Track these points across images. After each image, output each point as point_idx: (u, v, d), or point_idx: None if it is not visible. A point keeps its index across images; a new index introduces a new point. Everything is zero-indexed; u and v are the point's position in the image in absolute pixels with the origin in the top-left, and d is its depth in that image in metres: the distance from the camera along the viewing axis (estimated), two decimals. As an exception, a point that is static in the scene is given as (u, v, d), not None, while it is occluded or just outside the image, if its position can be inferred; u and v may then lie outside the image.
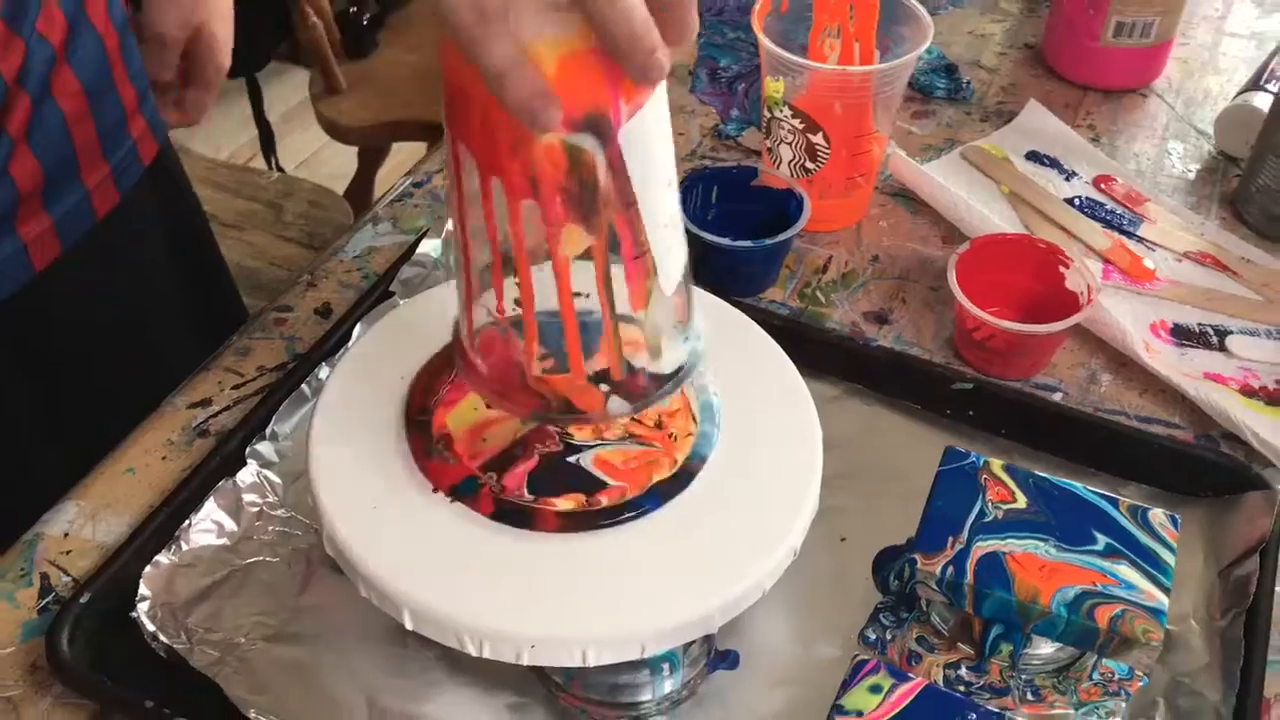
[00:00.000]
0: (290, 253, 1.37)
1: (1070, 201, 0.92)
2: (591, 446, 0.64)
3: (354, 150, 1.95)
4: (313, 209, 1.45)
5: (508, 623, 0.57)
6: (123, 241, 0.83)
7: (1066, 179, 0.94)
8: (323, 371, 0.75)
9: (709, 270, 0.83)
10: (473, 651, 0.57)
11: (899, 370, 0.76)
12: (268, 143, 1.87)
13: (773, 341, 0.71)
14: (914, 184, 0.91)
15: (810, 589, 0.67)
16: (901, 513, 0.70)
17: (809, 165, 0.86)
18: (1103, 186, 0.93)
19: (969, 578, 0.61)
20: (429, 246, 0.82)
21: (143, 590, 0.64)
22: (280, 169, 1.85)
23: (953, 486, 0.65)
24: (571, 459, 0.63)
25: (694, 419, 0.67)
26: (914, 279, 0.86)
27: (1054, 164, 0.95)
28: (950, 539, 0.62)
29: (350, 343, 0.70)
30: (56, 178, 0.76)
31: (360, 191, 1.87)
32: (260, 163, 1.95)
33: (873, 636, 0.65)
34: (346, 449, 0.63)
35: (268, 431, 0.72)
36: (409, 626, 0.58)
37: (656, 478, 0.63)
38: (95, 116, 0.77)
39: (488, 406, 0.65)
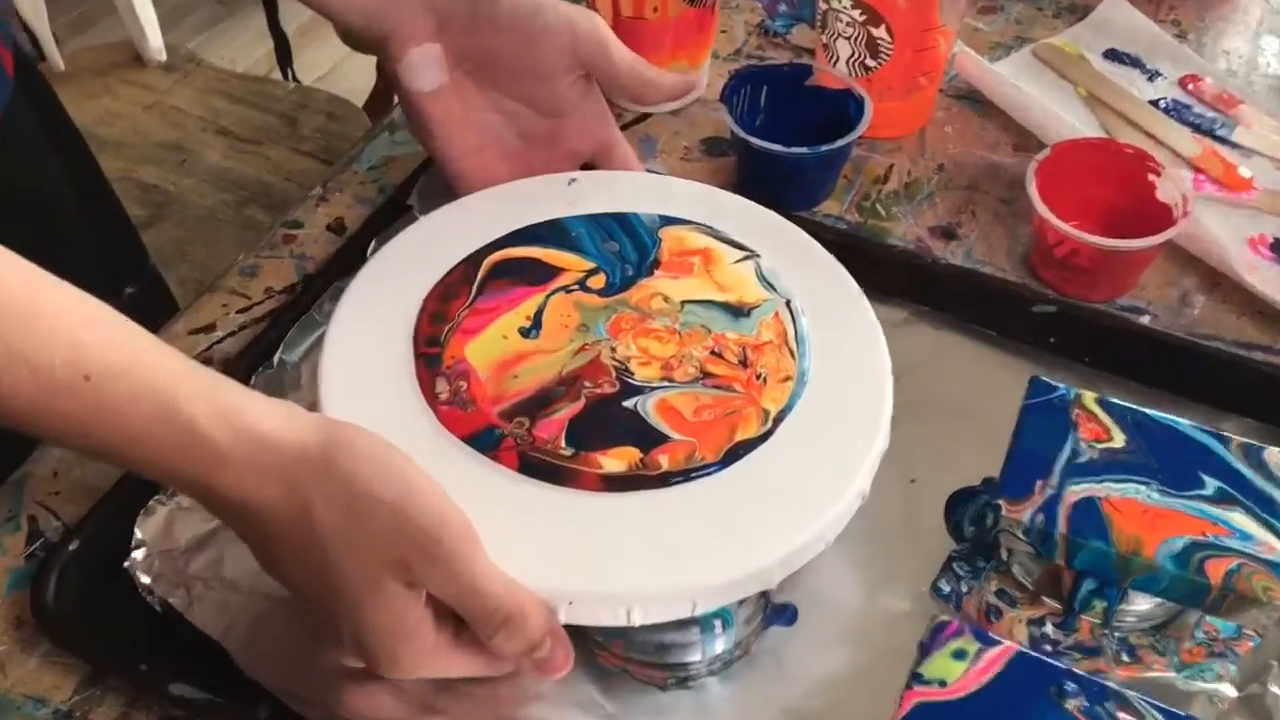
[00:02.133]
0: (306, 167, 1.29)
1: (1154, 104, 0.83)
2: (655, 388, 0.57)
3: (373, 61, 1.86)
4: (330, 122, 1.37)
5: (539, 575, 0.50)
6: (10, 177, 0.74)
7: (1149, 79, 0.85)
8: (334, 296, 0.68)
9: (759, 180, 0.75)
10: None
11: (972, 291, 0.69)
12: (284, 54, 1.78)
13: (835, 261, 0.64)
14: (984, 85, 0.82)
15: (876, 535, 0.60)
16: (976, 451, 0.63)
17: (869, 63, 0.77)
18: (1190, 87, 0.84)
19: (1061, 526, 0.53)
20: (450, 156, 0.74)
21: (137, 536, 0.58)
22: (297, 81, 1.76)
23: (1040, 423, 0.57)
24: (629, 403, 0.56)
25: (791, 354, 0.59)
26: (984, 189, 0.78)
27: (1135, 63, 0.86)
28: (1039, 482, 0.55)
29: (365, 264, 0.63)
30: None
31: (380, 104, 1.77)
32: (278, 76, 1.87)
33: (946, 589, 0.59)
34: (355, 388, 0.57)
35: (275, 360, 0.65)
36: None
37: (740, 435, 0.55)
38: None
39: None
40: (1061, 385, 0.59)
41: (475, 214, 0.65)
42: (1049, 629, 0.57)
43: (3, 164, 0.74)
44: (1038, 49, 0.87)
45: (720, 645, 0.55)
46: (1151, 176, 0.71)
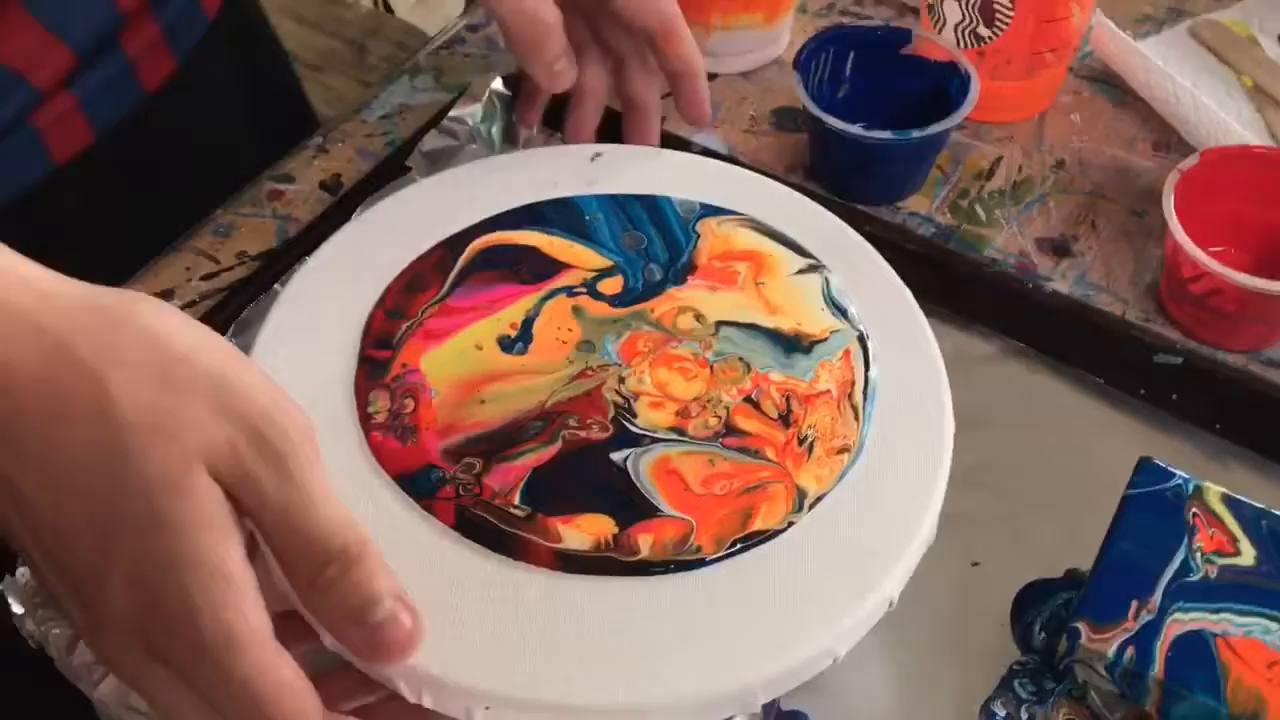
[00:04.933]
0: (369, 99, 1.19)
1: (1338, 104, 0.67)
2: (657, 441, 0.44)
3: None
4: (399, 52, 1.27)
5: (452, 665, 0.39)
6: (178, 120, 0.66)
7: (1336, 72, 0.69)
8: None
9: (834, 165, 0.63)
10: (409, 697, 0.39)
11: (1080, 327, 0.55)
12: (375, -26, 1.69)
13: (899, 283, 0.51)
14: (1123, 66, 0.68)
15: (921, 630, 0.48)
16: (1061, 533, 0.51)
17: (982, 31, 0.63)
18: (1387, 86, 0.69)
19: (1157, 668, 0.41)
20: (466, 111, 0.63)
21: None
22: (388, 8, 1.66)
23: (1146, 521, 0.44)
24: (618, 455, 0.44)
25: (855, 414, 0.46)
26: (1110, 197, 0.63)
27: (1319, 51, 0.71)
28: (1134, 603, 0.42)
29: (330, 237, 0.52)
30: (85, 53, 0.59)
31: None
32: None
33: (1001, 713, 0.46)
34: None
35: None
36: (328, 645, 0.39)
37: (758, 523, 0.43)
38: None
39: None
40: (1179, 472, 0.45)
41: (470, 185, 0.54)
42: (1130, 783, 0.44)
43: (183, 112, 0.66)
44: (1197, 26, 0.72)
45: (698, 769, 0.43)
46: (1326, 200, 0.56)
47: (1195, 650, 0.41)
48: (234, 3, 0.71)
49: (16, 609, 0.47)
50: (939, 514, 0.45)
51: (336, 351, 0.47)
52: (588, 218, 0.52)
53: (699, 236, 0.51)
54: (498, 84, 0.64)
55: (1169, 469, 0.45)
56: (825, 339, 0.48)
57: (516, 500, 0.43)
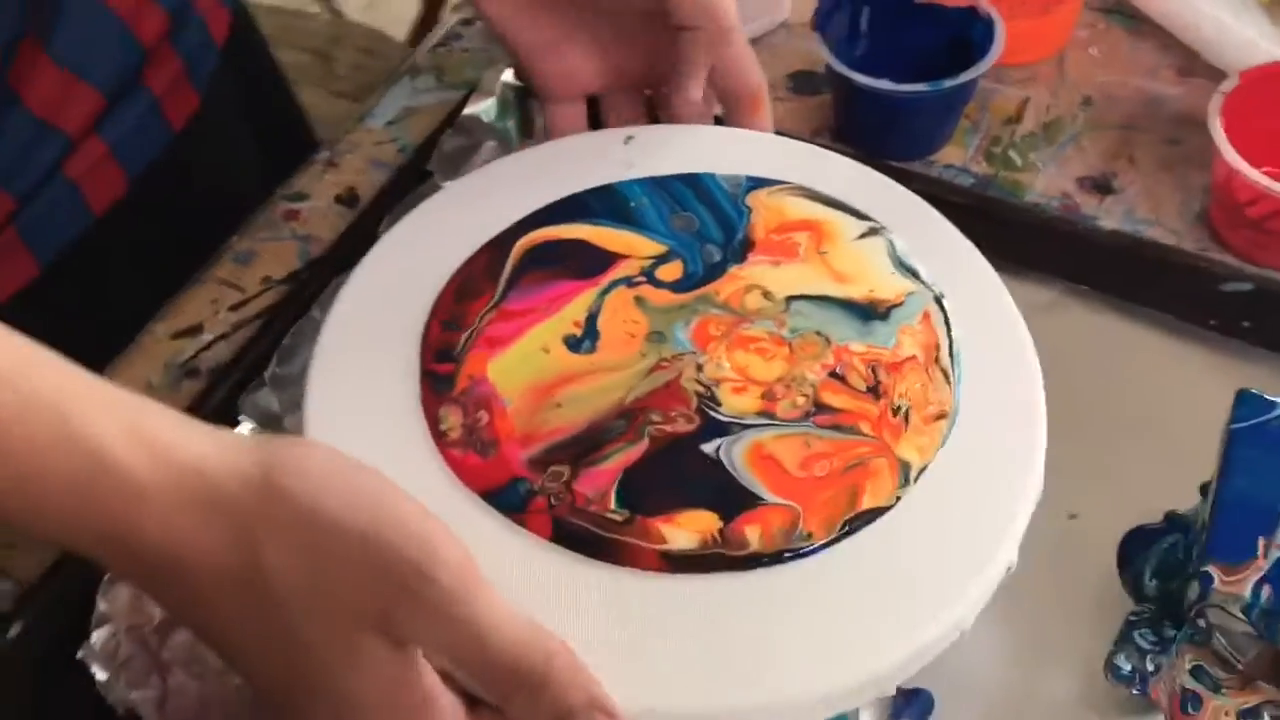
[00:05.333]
0: (342, 110, 1.16)
1: (1355, 11, 0.67)
2: (749, 427, 0.43)
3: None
4: (366, 58, 1.23)
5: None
6: (204, 156, 0.65)
7: (1347, -20, 0.69)
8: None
9: (862, 124, 0.61)
10: None
11: (1139, 264, 0.54)
12: (321, -20, 1.65)
13: (961, 236, 0.50)
14: (1139, -5, 0.67)
15: (1029, 590, 0.47)
16: (1153, 475, 0.50)
17: (999, -28, 0.62)
18: (1399, -12, 0.68)
19: (1296, 603, 0.40)
20: (479, 107, 0.61)
21: (99, 610, 0.46)
22: (336, 12, 1.62)
23: (1255, 455, 0.43)
24: (709, 446, 0.42)
25: (946, 377, 0.45)
26: (1143, 129, 0.62)
27: (1327, -41, 0.70)
28: (1261, 540, 0.41)
29: (366, 253, 0.50)
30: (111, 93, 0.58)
31: (423, 36, 1.63)
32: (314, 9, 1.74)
33: (1126, 667, 0.45)
34: (348, 419, 0.44)
35: (267, 375, 0.53)
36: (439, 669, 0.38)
37: (866, 501, 0.41)
38: None
39: None
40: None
41: (503, 182, 0.52)
42: (1266, 721, 0.43)
43: (206, 149, 0.65)
44: (1204, -54, 0.70)
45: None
46: (1371, 110, 0.55)
47: (1331, 581, 0.40)
48: (238, 29, 0.68)
49: (101, 675, 0.45)
50: (1043, 468, 0.43)
51: (395, 371, 0.45)
52: (632, 204, 0.50)
53: (751, 211, 0.50)
54: (508, 75, 0.61)
55: (1270, 399, 0.44)
56: (901, 303, 0.47)
57: (612, 504, 0.41)
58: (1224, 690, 0.44)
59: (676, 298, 0.47)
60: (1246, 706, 0.43)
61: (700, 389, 0.44)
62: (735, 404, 0.43)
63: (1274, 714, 0.43)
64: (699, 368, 0.44)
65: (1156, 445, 0.51)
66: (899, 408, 0.43)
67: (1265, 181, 0.52)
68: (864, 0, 0.62)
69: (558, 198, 0.50)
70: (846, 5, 0.61)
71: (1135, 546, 0.48)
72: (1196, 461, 0.50)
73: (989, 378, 0.45)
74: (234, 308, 0.58)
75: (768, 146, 0.53)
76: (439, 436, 0.43)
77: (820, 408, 0.43)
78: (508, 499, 0.41)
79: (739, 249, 0.48)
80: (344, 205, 0.62)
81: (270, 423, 0.52)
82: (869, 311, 0.46)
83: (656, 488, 0.41)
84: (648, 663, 0.38)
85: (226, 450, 0.35)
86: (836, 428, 0.43)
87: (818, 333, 0.45)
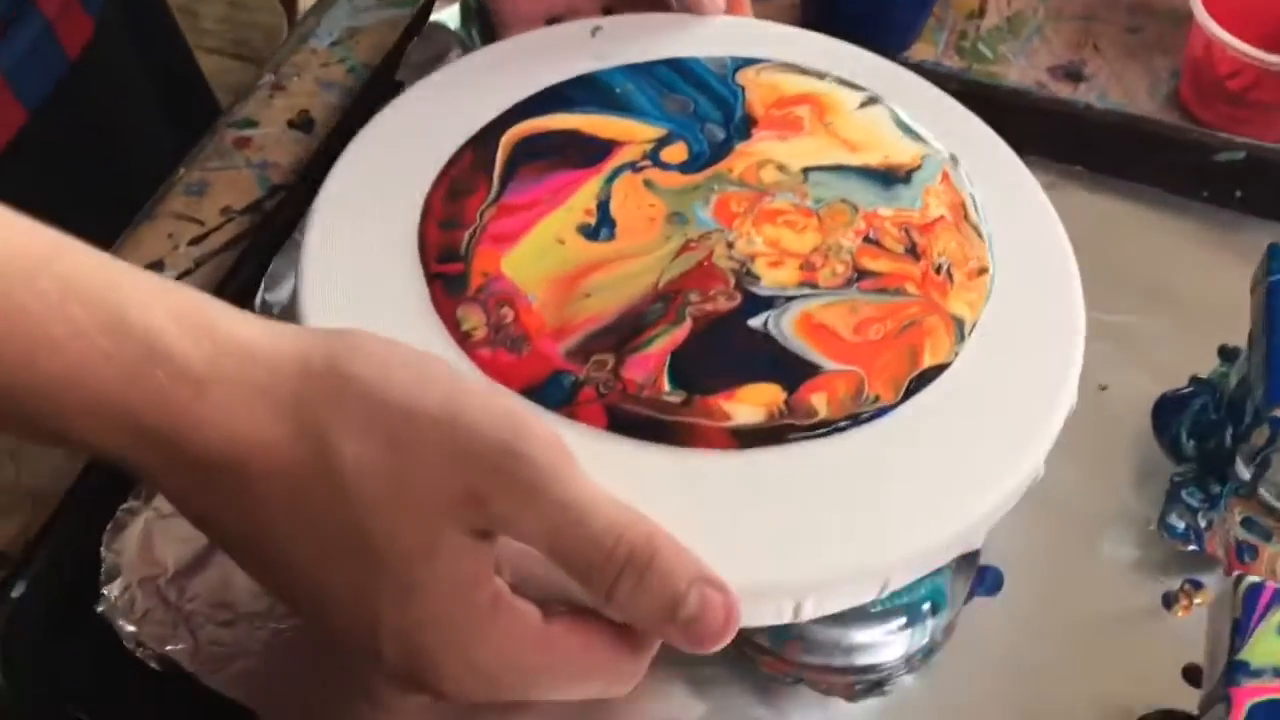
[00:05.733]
0: (214, 66, 1.09)
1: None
2: (793, 299, 0.41)
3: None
4: (235, 10, 1.17)
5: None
6: (99, 88, 0.59)
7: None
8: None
9: (834, 19, 0.60)
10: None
11: (1134, 140, 0.55)
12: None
13: (959, 105, 0.49)
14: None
15: (1072, 464, 0.47)
16: (1172, 343, 0.51)
17: None
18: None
19: (1364, 438, 0.41)
20: (443, 14, 0.57)
21: (108, 561, 0.42)
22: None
23: (1299, 302, 0.44)
24: (755, 321, 0.40)
25: (977, 233, 0.44)
26: (1102, 18, 0.63)
27: None
28: (1320, 381, 0.42)
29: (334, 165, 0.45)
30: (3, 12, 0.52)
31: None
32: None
33: (1180, 525, 0.46)
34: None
35: (257, 302, 0.49)
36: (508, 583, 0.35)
37: (927, 359, 0.40)
38: None
39: None
40: (1313, 251, 0.45)
41: (469, 82, 0.48)
42: (1318, 565, 0.44)
43: (101, 86, 0.59)
44: None
45: (927, 634, 0.41)
46: (1334, -19, 0.57)
47: (1392, 414, 0.41)
48: None
49: (128, 628, 0.40)
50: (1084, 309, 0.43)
51: (398, 278, 0.41)
52: (618, 90, 0.47)
53: (744, 89, 0.48)
54: (470, -17, 0.58)
55: (1303, 249, 0.45)
56: (919, 166, 0.46)
57: (666, 386, 0.38)
58: (1275, 538, 0.45)
59: (688, 178, 0.44)
60: (1301, 551, 0.44)
61: (735, 265, 0.42)
62: (775, 277, 0.42)
63: (1329, 556, 0.44)
64: (730, 245, 0.42)
65: (1168, 315, 0.51)
66: (940, 265, 0.43)
67: (1250, 50, 0.53)
68: (825, -102, 0.60)
69: (534, 91, 0.47)
70: (809, -97, 0.60)
71: (1167, 412, 0.48)
72: (1209, 326, 0.51)
73: (1015, 231, 0.45)
74: (194, 241, 0.53)
75: (743, 29, 0.51)
76: (462, 339, 0.39)
77: (862, 273, 0.42)
78: (552, 393, 0.38)
79: (742, 126, 0.46)
80: (299, 130, 0.58)
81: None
82: (889, 176, 0.45)
83: (709, 366, 0.39)
84: (731, 542, 0.36)
85: (287, 337, 0.32)
86: (882, 291, 0.42)
87: (843, 200, 0.44)
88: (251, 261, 0.50)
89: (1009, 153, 0.48)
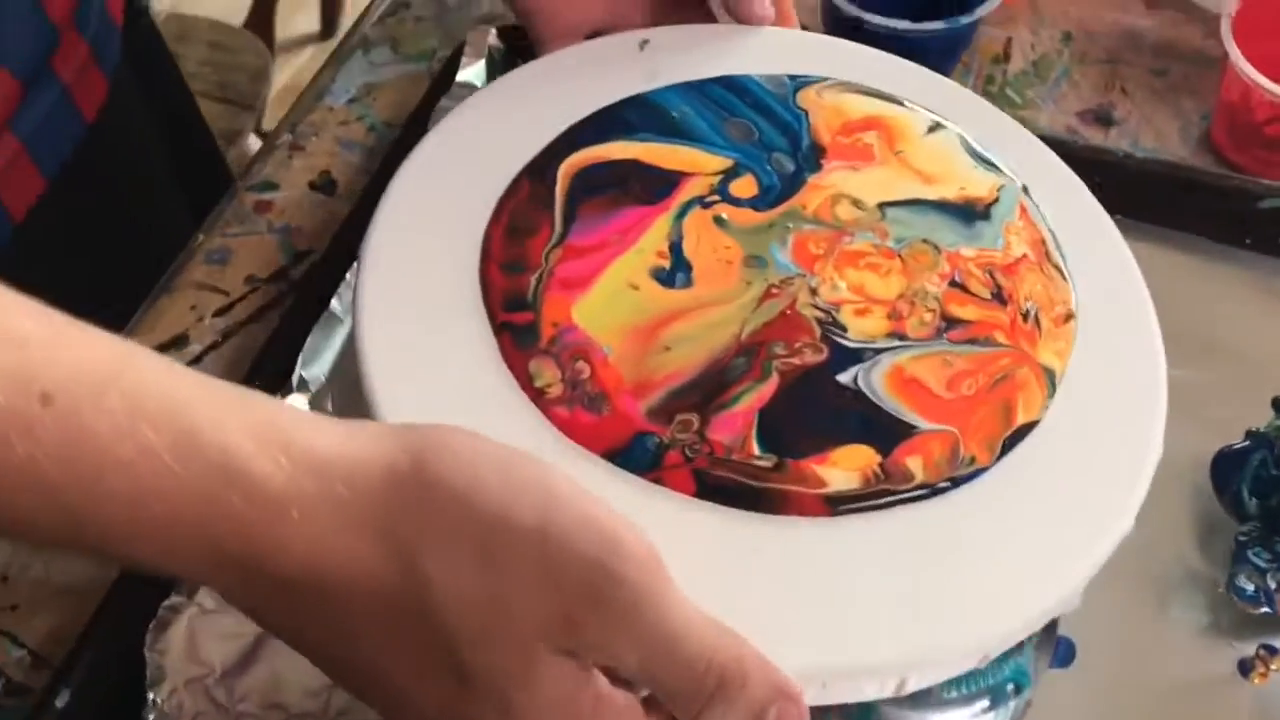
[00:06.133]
0: (205, 110, 1.07)
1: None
2: (883, 351, 0.39)
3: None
4: (217, 53, 1.15)
5: (772, 648, 0.32)
6: (116, 151, 0.58)
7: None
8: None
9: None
10: None
11: (1174, 187, 0.54)
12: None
13: (1021, 127, 0.48)
14: (1099, -71, 0.67)
15: (1135, 524, 0.46)
16: (1226, 394, 0.49)
17: (983, -90, 0.61)
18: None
19: None
20: (470, 74, 0.56)
21: (152, 664, 0.40)
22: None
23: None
24: (845, 376, 0.39)
25: (1061, 274, 0.43)
26: (1127, 60, 0.63)
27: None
28: (1392, 441, 0.41)
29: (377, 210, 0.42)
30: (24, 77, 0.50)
31: (261, 24, 1.53)
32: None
33: (1250, 588, 0.45)
34: (421, 393, 0.38)
35: (294, 379, 0.47)
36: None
37: (1021, 416, 0.39)
38: None
39: None
40: (1373, 304, 0.45)
41: (518, 102, 0.46)
42: (1390, 624, 0.44)
43: (117, 147, 0.57)
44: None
45: (1009, 715, 0.40)
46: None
47: None
48: (131, 12, 0.61)
49: (182, 736, 0.38)
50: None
51: (462, 329, 0.39)
52: (675, 114, 0.45)
53: (807, 113, 0.45)
54: (493, 38, 0.57)
55: (1363, 302, 0.44)
56: (996, 199, 0.44)
57: (756, 449, 0.37)
58: (1349, 598, 0.44)
59: (761, 216, 0.42)
60: (1375, 611, 0.44)
61: (820, 314, 0.40)
62: (862, 327, 0.40)
63: (1403, 615, 0.43)
64: (813, 291, 0.40)
65: (1217, 367, 0.50)
66: (1027, 312, 0.41)
67: (1289, 95, 0.53)
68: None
69: (587, 113, 0.45)
70: (835, -51, 0.59)
71: (1226, 468, 0.48)
72: (1260, 377, 0.50)
73: (1093, 270, 0.44)
74: (219, 313, 0.52)
75: (796, 41, 0.49)
76: (536, 396, 0.37)
77: (950, 322, 0.40)
78: (636, 457, 0.36)
79: (810, 156, 0.44)
80: (320, 192, 0.56)
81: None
82: (968, 212, 0.43)
83: (799, 427, 0.37)
84: (830, 616, 0.35)
85: (366, 443, 0.30)
86: (973, 341, 0.40)
87: (925, 240, 0.42)
88: (285, 336, 0.48)
89: (1079, 183, 0.47)
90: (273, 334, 0.49)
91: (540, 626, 0.29)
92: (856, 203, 0.43)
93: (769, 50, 0.48)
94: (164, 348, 0.50)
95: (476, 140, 0.44)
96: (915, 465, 0.37)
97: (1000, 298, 0.41)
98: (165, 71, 0.68)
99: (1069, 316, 0.42)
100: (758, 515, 0.36)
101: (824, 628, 0.34)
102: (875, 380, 0.39)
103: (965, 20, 0.56)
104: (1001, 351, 0.40)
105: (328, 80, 0.61)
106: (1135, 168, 0.54)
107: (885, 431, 0.38)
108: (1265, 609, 0.44)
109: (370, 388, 0.38)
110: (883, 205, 0.43)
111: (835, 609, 0.35)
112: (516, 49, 0.56)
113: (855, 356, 0.39)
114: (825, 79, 0.47)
